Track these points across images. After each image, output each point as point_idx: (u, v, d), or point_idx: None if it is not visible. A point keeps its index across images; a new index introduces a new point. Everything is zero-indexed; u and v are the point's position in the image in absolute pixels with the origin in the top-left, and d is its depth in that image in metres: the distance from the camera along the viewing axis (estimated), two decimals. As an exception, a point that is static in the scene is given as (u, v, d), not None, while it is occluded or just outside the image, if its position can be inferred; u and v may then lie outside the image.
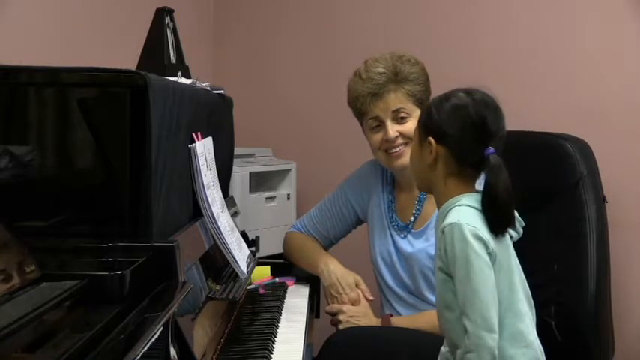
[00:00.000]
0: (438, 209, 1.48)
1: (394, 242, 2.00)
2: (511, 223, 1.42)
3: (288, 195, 2.51)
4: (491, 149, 1.40)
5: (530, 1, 2.55)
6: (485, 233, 1.37)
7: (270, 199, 2.42)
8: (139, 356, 0.91)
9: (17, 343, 0.80)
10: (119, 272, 1.03)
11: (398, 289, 1.98)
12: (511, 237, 1.45)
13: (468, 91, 1.46)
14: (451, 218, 1.39)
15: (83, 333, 0.88)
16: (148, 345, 0.95)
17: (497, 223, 1.40)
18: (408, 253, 1.95)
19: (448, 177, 1.45)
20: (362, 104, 1.93)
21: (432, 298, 1.90)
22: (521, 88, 2.46)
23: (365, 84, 1.92)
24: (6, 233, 0.90)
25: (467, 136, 1.42)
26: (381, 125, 1.93)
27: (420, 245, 1.94)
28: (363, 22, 2.77)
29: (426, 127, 1.47)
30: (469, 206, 1.40)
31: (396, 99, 1.90)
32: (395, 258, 1.98)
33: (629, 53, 2.41)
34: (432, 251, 1.89)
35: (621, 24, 2.42)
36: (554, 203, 2.04)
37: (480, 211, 1.40)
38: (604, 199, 2.11)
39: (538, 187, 2.08)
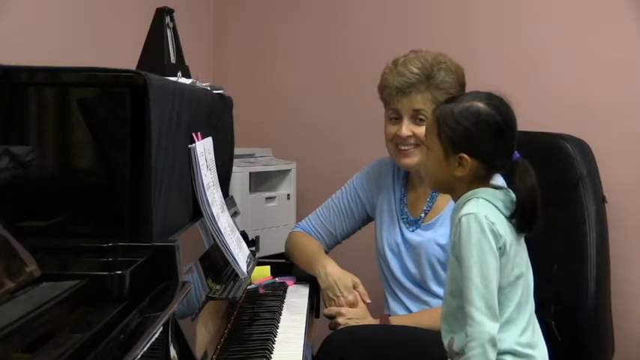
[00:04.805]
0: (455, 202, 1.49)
1: (402, 234, 2.01)
2: (538, 223, 1.42)
3: (288, 195, 2.51)
4: (517, 154, 1.41)
5: (530, 1, 2.55)
6: (499, 228, 1.39)
7: (270, 199, 2.43)
8: (139, 356, 0.91)
9: (17, 343, 0.80)
10: (119, 272, 1.03)
11: (404, 280, 1.99)
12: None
13: (486, 98, 1.45)
14: (469, 208, 1.40)
15: (83, 333, 0.88)
16: (148, 345, 0.95)
17: (524, 223, 1.42)
18: (416, 243, 1.96)
19: (473, 182, 1.45)
20: (388, 95, 1.96)
21: (436, 289, 1.92)
22: (521, 88, 2.45)
23: (396, 78, 1.93)
24: (6, 233, 0.90)
25: (500, 146, 1.42)
26: (399, 119, 1.94)
27: (429, 235, 1.95)
28: (363, 22, 2.77)
29: (455, 142, 1.43)
30: (487, 200, 1.41)
31: (421, 100, 1.91)
32: (402, 248, 1.99)
33: (629, 53, 2.41)
34: (441, 240, 1.91)
35: (621, 24, 2.42)
36: (554, 203, 2.04)
37: (496, 206, 1.41)
38: (604, 199, 2.11)
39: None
